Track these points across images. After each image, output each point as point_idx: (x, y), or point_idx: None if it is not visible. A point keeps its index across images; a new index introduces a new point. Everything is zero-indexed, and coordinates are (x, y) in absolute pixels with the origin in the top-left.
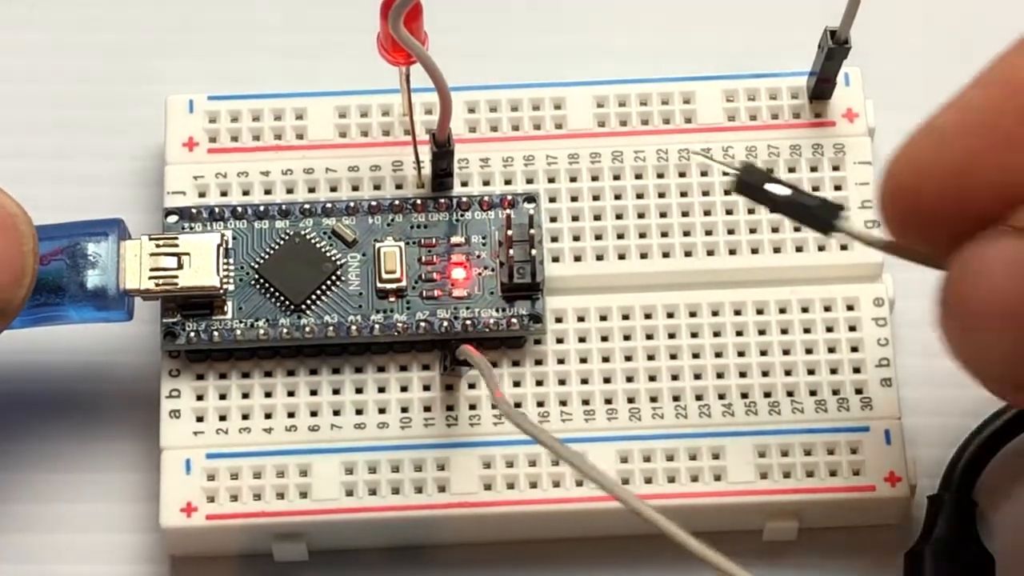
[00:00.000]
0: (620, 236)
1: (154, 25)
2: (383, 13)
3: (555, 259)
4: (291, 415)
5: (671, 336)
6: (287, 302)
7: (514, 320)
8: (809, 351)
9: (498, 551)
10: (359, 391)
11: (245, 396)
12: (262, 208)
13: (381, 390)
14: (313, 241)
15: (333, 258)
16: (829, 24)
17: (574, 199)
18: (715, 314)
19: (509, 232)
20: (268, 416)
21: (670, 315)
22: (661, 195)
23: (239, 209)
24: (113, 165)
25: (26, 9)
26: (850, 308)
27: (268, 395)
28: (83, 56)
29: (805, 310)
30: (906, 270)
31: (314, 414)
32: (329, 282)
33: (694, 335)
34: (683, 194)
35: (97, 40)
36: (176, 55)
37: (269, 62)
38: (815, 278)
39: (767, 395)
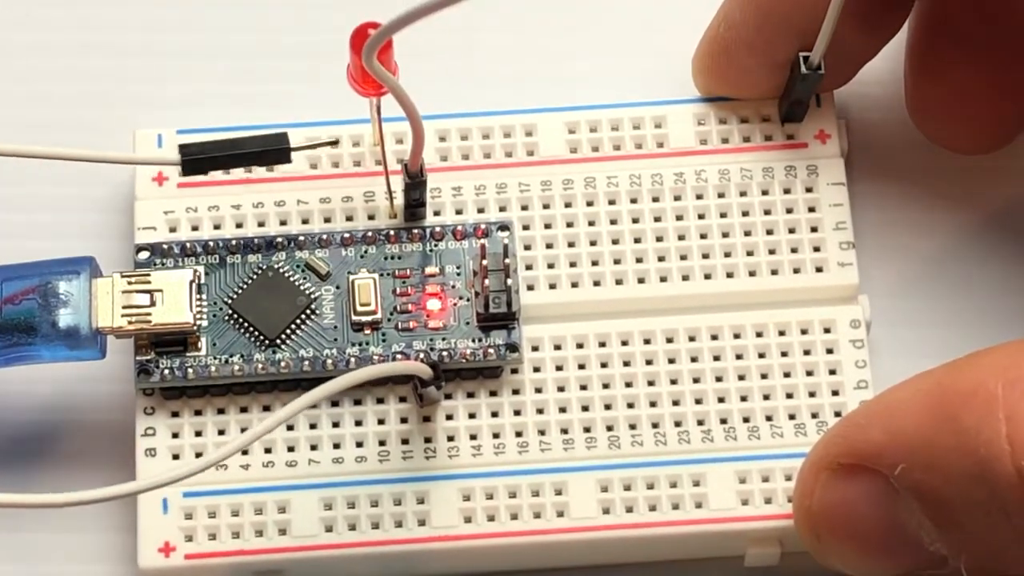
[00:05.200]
0: (595, 263)
1: (125, 51)
2: (354, 46)
3: (530, 287)
4: (268, 451)
5: (648, 363)
6: (261, 337)
7: (491, 350)
8: (787, 375)
9: None
10: (336, 425)
11: (221, 432)
12: (234, 242)
13: (358, 423)
14: (286, 275)
15: (307, 291)
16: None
17: (548, 226)
18: (692, 339)
19: (484, 261)
20: (245, 452)
21: (647, 341)
22: (635, 220)
23: (211, 244)
24: (84, 192)
25: None
26: (827, 331)
27: (244, 431)
28: (54, 81)
29: (782, 333)
30: (882, 294)
31: (291, 449)
32: (303, 316)
33: (671, 361)
34: (657, 219)
35: (69, 66)
36: (146, 82)
37: (238, 92)
38: (791, 301)
39: (746, 420)
